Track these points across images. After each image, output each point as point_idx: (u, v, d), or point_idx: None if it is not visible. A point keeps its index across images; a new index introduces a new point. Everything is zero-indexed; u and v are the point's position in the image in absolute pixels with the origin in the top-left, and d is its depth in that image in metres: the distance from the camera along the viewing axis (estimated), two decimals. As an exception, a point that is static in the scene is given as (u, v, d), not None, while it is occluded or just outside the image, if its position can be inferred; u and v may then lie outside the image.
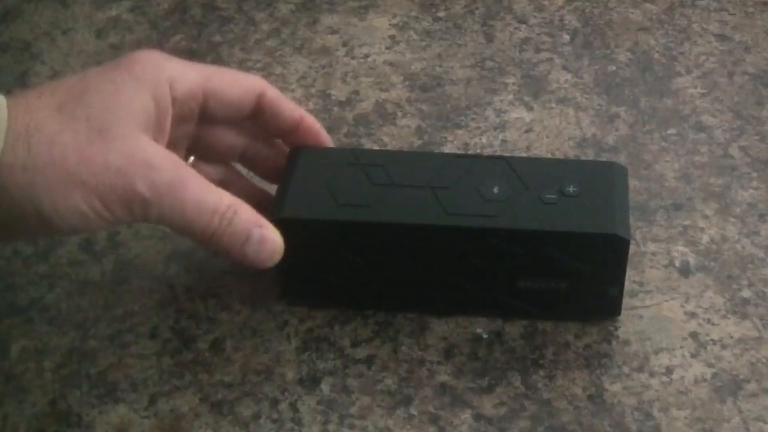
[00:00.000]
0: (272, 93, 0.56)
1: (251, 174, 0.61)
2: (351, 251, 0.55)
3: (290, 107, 0.57)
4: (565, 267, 0.53)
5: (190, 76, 0.52)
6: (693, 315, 0.56)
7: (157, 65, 0.51)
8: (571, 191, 0.54)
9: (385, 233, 0.54)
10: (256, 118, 0.56)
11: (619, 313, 0.56)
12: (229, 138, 0.57)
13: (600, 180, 0.55)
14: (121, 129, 0.48)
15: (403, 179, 0.55)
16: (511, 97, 0.71)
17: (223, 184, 0.53)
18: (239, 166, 0.60)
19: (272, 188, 0.57)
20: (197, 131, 0.55)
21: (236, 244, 0.50)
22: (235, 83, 0.55)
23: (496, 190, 0.54)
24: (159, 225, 0.50)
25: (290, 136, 0.57)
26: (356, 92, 0.72)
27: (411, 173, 0.55)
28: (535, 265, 0.54)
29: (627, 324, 0.56)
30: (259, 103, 0.55)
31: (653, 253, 0.60)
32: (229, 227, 0.50)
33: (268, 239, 0.51)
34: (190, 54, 0.75)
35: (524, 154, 0.66)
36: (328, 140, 0.58)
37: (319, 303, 0.57)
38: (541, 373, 0.54)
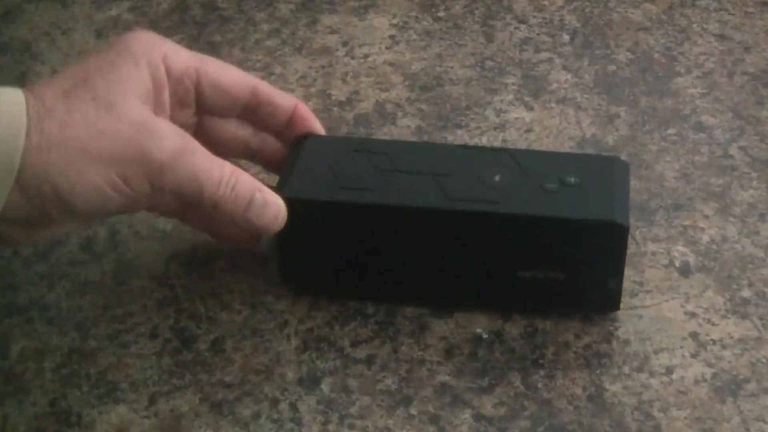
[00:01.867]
0: (264, 85, 0.57)
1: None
2: (351, 234, 0.55)
3: (284, 96, 0.58)
4: (564, 255, 0.54)
5: (183, 54, 0.54)
6: (693, 315, 0.56)
7: (150, 42, 0.52)
8: (572, 181, 0.54)
9: (385, 216, 0.54)
10: (253, 112, 0.57)
11: (617, 308, 0.56)
12: (231, 130, 0.58)
13: (601, 172, 0.55)
14: (126, 103, 0.49)
15: (405, 166, 0.56)
16: (511, 97, 0.71)
17: None
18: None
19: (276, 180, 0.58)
20: (199, 122, 0.57)
21: (240, 209, 0.52)
22: (227, 70, 0.56)
23: (497, 178, 0.54)
24: (172, 195, 0.51)
25: (285, 129, 0.58)
26: (356, 92, 0.72)
27: (414, 161, 0.56)
28: (534, 253, 0.54)
29: (627, 324, 0.56)
30: (255, 95, 0.56)
31: (653, 253, 0.60)
32: (232, 193, 0.51)
33: (270, 202, 0.52)
34: (190, 54, 0.75)
35: (524, 154, 0.66)
36: (320, 128, 0.59)
37: (319, 290, 0.58)
38: (541, 373, 0.54)
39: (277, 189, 0.54)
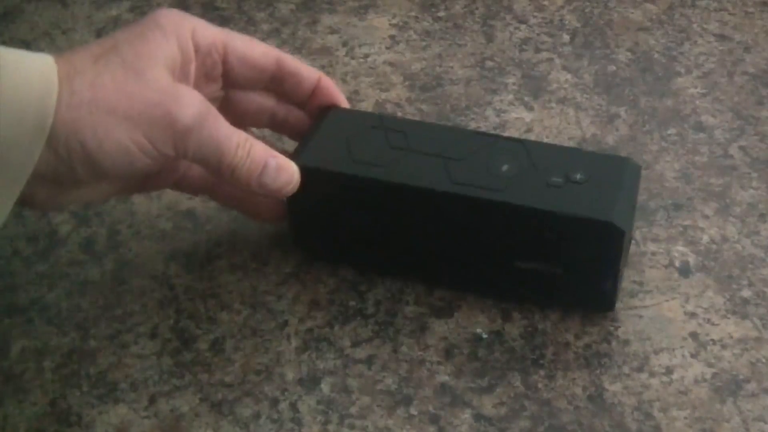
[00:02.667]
0: (289, 57, 0.58)
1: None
2: (356, 206, 0.57)
3: (308, 68, 0.59)
4: (560, 251, 0.54)
5: (210, 29, 0.55)
6: (693, 315, 0.56)
7: (179, 17, 0.54)
8: (578, 178, 0.54)
9: (388, 192, 0.55)
10: (278, 84, 0.59)
11: (612, 309, 0.56)
12: (257, 100, 0.60)
13: (610, 172, 0.55)
14: (153, 71, 0.51)
15: (419, 146, 0.57)
16: (511, 97, 0.71)
17: None
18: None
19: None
20: (225, 95, 0.58)
21: (255, 173, 0.53)
22: (253, 43, 0.58)
23: (505, 167, 0.55)
24: (193, 160, 0.52)
25: (309, 100, 0.60)
26: (356, 92, 0.72)
27: (428, 142, 0.57)
28: (531, 245, 0.54)
29: (627, 324, 0.56)
30: (280, 66, 0.58)
31: (653, 253, 0.60)
32: (248, 158, 0.53)
33: (284, 167, 0.54)
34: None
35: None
36: (343, 99, 0.60)
37: (328, 256, 0.60)
38: (541, 373, 0.54)
39: (293, 156, 0.56)
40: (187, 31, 0.53)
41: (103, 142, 0.49)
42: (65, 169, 0.49)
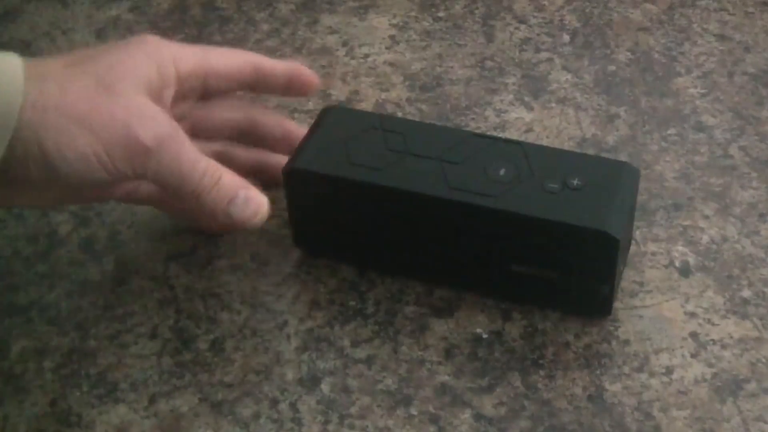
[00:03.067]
0: (266, 61, 0.59)
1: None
2: (354, 209, 0.57)
3: (281, 63, 0.59)
4: (556, 257, 0.54)
5: (189, 56, 0.55)
6: (693, 315, 0.56)
7: (162, 44, 0.54)
8: (575, 184, 0.54)
9: (385, 196, 0.55)
10: (256, 84, 0.59)
11: (609, 313, 0.56)
12: (224, 115, 0.60)
13: (607, 178, 0.55)
14: (125, 87, 0.50)
15: (417, 149, 0.57)
16: (511, 97, 0.71)
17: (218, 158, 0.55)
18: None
19: (278, 158, 0.60)
20: (196, 109, 0.58)
21: (221, 203, 0.53)
22: (231, 57, 0.58)
23: (502, 172, 0.55)
24: (153, 181, 0.52)
25: (286, 89, 0.60)
26: (356, 92, 0.72)
27: (426, 144, 0.57)
28: (527, 250, 0.54)
29: (627, 324, 0.56)
30: (256, 72, 0.58)
31: (653, 253, 0.60)
32: (215, 187, 0.52)
33: (253, 198, 0.53)
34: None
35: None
36: (314, 77, 0.60)
37: (327, 254, 0.60)
38: (541, 373, 0.54)
39: (291, 157, 0.57)
40: (169, 59, 0.53)
41: (63, 149, 0.48)
42: (19, 168, 0.48)
